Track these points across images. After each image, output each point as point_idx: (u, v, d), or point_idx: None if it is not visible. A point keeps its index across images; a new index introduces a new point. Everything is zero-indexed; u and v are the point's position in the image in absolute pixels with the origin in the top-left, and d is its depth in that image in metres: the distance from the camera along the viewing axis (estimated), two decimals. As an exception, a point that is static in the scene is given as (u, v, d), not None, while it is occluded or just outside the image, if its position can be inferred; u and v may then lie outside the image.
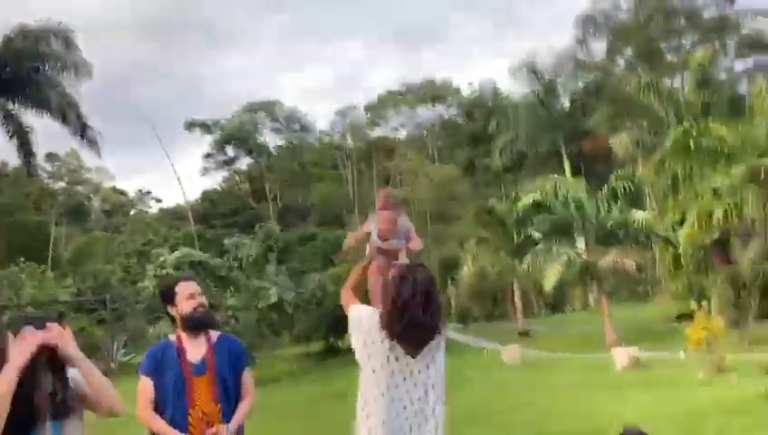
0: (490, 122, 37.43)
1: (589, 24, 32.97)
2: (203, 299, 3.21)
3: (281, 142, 51.25)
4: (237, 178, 52.76)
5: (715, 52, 20.75)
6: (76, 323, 21.71)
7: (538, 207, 18.72)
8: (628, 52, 33.71)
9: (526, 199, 18.59)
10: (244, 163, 52.12)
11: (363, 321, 2.59)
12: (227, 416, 3.13)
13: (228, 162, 51.25)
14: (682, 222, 17.78)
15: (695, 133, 14.07)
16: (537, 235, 20.64)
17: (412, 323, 2.56)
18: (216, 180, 53.05)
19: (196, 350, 3.20)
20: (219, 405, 3.10)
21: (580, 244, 18.80)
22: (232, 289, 16.81)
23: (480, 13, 72.06)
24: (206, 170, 51.03)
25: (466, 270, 23.72)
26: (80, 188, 54.55)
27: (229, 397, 3.21)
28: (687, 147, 14.06)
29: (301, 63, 78.25)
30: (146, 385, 3.09)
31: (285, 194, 49.03)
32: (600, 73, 33.95)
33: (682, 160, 14.75)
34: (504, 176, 37.28)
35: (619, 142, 21.19)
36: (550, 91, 30.67)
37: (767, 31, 32.11)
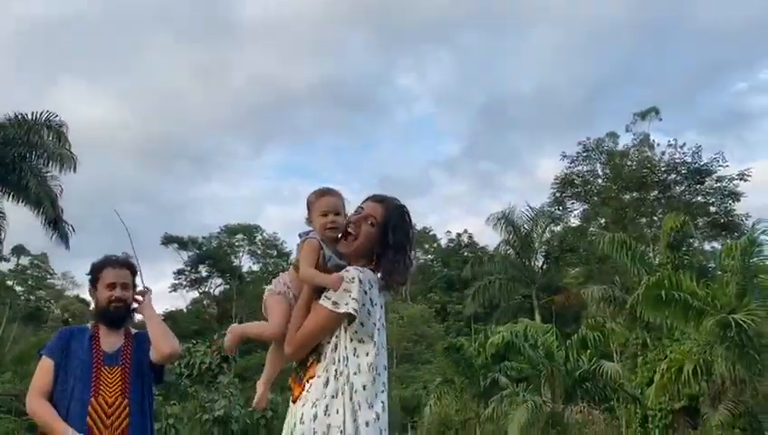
0: (465, 270, 37.79)
1: (566, 185, 34.57)
2: (121, 292, 2.92)
3: (255, 268, 51.00)
4: (206, 300, 51.79)
5: (685, 222, 21.52)
6: (3, 423, 20.03)
7: (507, 347, 18.36)
8: (603, 217, 35.09)
9: (496, 338, 18.25)
10: (214, 284, 51.41)
11: (367, 283, 2.34)
12: (135, 415, 2.75)
13: (199, 281, 50.49)
14: (651, 382, 17.44)
15: (666, 284, 14.15)
16: (504, 380, 20.11)
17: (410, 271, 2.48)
18: (185, 299, 51.99)
19: (112, 339, 2.89)
20: (127, 400, 2.74)
21: (548, 393, 18.24)
22: (177, 397, 15.76)
23: (461, 175, 75.47)
24: (174, 287, 50.10)
25: (428, 412, 22.73)
26: (41, 292, 53.15)
27: (142, 395, 2.85)
28: (659, 298, 14.07)
29: (286, 199, 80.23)
30: (45, 366, 2.74)
31: (252, 320, 47.89)
32: (575, 232, 35.07)
33: (652, 312, 14.70)
34: (474, 325, 37.06)
35: (591, 295, 21.36)
36: (525, 244, 31.28)
37: (738, 212, 33.77)
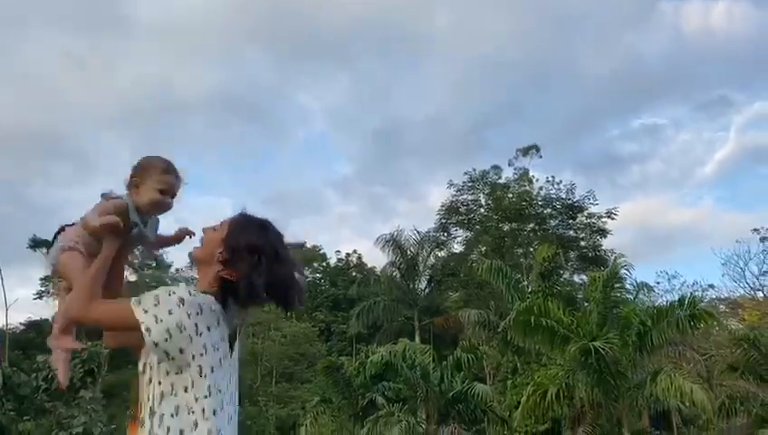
0: (351, 289, 38.01)
1: (451, 212, 35.81)
2: None
3: (132, 278, 48.37)
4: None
5: (557, 253, 22.90)
6: None
7: (386, 368, 18.58)
8: (484, 245, 36.61)
9: (375, 357, 18.44)
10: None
11: (181, 307, 1.97)
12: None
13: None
14: (519, 405, 18.25)
15: (536, 311, 14.95)
16: (381, 400, 20.29)
17: (284, 285, 2.14)
18: (51, 307, 48.25)
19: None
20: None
21: (423, 413, 18.63)
22: (32, 413, 14.55)
23: (354, 196, 76.05)
24: (40, 295, 46.45)
25: (303, 433, 22.46)
26: None
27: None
28: (528, 323, 14.85)
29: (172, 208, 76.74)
30: None
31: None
32: (458, 258, 36.33)
33: (522, 336, 15.47)
34: (357, 345, 37.28)
35: (468, 318, 22.15)
36: (411, 267, 32.01)
37: (605, 247, 36.36)
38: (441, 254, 36.69)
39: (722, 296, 36.94)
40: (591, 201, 35.76)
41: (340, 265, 50.79)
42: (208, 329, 2.02)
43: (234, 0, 68.87)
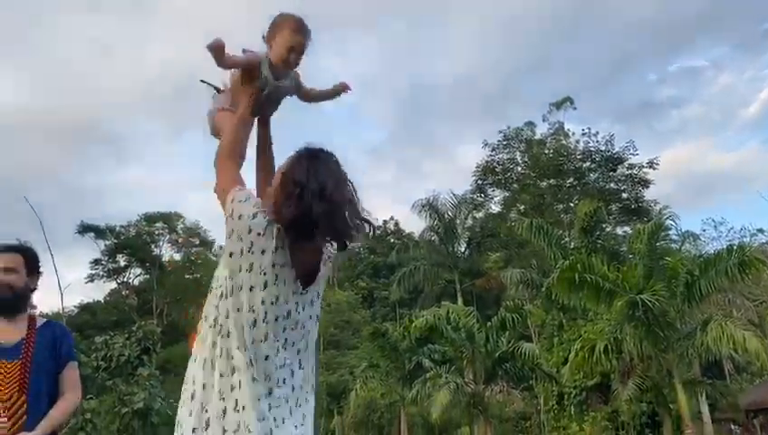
0: (391, 256, 38.17)
1: (487, 172, 35.42)
2: (3, 276, 2.78)
3: (177, 256, 49.53)
4: (125, 291, 49.93)
5: (598, 208, 22.51)
6: None
7: (430, 331, 18.72)
8: (522, 204, 36.21)
9: (419, 322, 18.58)
10: (134, 274, 49.64)
11: (253, 220, 1.92)
12: (35, 411, 2.65)
13: (117, 271, 48.58)
14: (566, 361, 18.23)
15: (579, 268, 14.79)
16: (428, 363, 20.52)
17: (331, 219, 1.96)
18: (102, 290, 49.93)
19: (11, 331, 2.76)
20: (25, 396, 2.63)
21: (470, 374, 18.77)
22: (95, 391, 15.19)
23: (387, 162, 75.80)
24: (91, 278, 48.01)
25: (354, 396, 22.94)
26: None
27: (47, 390, 2.75)
28: (572, 280, 14.70)
29: (208, 187, 77.89)
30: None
31: (174, 310, 46.61)
32: (496, 219, 36.07)
33: (567, 294, 15.35)
34: (400, 310, 37.56)
35: (510, 278, 22.07)
36: (449, 230, 31.90)
37: (647, 198, 35.60)
38: (479, 215, 36.45)
39: (771, 240, 35.94)
40: (632, 152, 34.87)
41: (378, 232, 51.01)
42: (262, 252, 1.94)
43: (255, -27, 68.48)
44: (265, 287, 1.95)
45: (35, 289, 2.92)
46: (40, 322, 2.90)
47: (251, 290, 1.93)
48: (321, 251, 2.12)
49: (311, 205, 1.95)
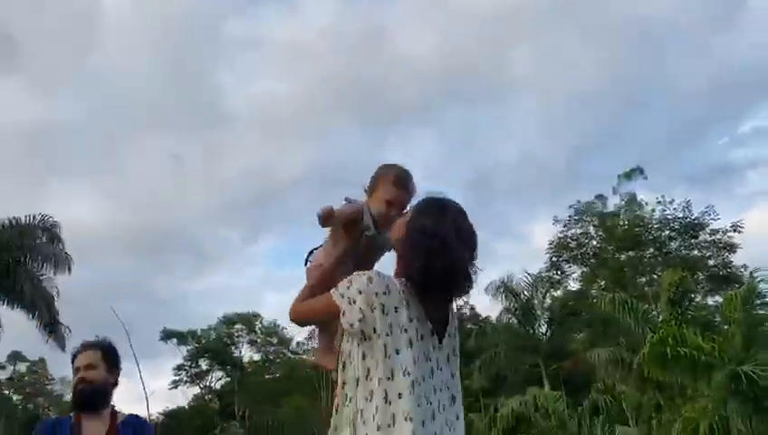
0: (468, 342, 37.20)
1: (561, 248, 34.62)
2: (85, 373, 2.87)
3: (257, 357, 50.02)
4: (207, 395, 50.48)
5: (684, 277, 21.46)
6: None
7: (518, 421, 17.86)
8: (602, 278, 34.97)
9: (504, 410, 17.79)
10: (215, 377, 50.25)
11: (369, 285, 1.96)
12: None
13: (200, 376, 49.35)
14: (669, 445, 16.89)
15: (671, 341, 13.95)
16: (518, 455, 19.47)
17: (452, 271, 1.99)
18: (186, 396, 50.67)
19: (94, 428, 2.81)
20: (112, 491, 2.64)
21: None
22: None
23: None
24: (175, 384, 48.94)
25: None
26: (40, 399, 51.96)
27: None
28: (665, 355, 13.85)
29: (283, 285, 79.65)
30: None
31: (255, 411, 46.51)
32: (576, 296, 34.84)
33: (660, 370, 14.42)
34: (484, 400, 36.17)
35: (598, 358, 20.99)
36: (527, 311, 30.95)
37: (735, 263, 33.72)
38: (557, 293, 35.34)
39: None
40: (712, 217, 33.44)
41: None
42: (395, 309, 1.96)
43: (316, 80, 72.41)
44: (411, 346, 1.95)
45: (116, 384, 2.99)
46: (122, 417, 2.95)
47: (398, 353, 1.93)
48: (449, 301, 2.16)
49: (437, 256, 1.96)
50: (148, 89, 70.08)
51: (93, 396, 2.87)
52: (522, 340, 31.01)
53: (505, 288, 29.61)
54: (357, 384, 1.95)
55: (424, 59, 66.43)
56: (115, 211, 69.45)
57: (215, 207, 73.34)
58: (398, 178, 2.23)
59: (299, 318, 2.15)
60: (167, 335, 46.62)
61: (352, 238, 2.23)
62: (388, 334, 1.94)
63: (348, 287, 1.97)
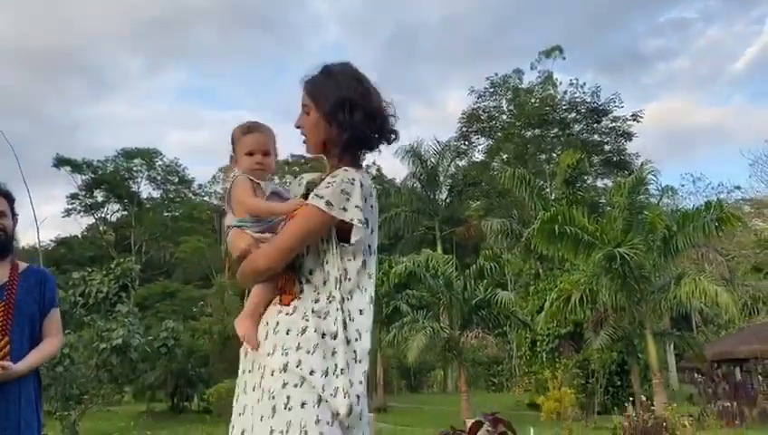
0: (372, 200, 38.17)
1: (472, 120, 35.21)
2: (4, 221, 2.72)
3: (156, 194, 49.04)
4: (102, 226, 49.49)
5: (581, 159, 22.57)
6: None
7: (409, 277, 18.90)
8: (506, 153, 36.20)
9: (399, 268, 18.73)
10: (111, 210, 49.14)
11: (368, 189, 1.94)
12: (17, 353, 2.62)
13: (95, 207, 48.03)
14: (541, 309, 18.59)
15: (560, 220, 14.91)
16: (405, 307, 20.77)
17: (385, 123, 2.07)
18: (79, 225, 49.46)
19: (-3, 275, 2.69)
20: (8, 338, 2.59)
21: (446, 320, 19.09)
22: (72, 326, 15.18)
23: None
24: (68, 212, 47.45)
25: (332, 339, 23.26)
26: None
27: (30, 333, 2.71)
28: (553, 231, 14.84)
29: (190, 123, 76.61)
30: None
31: (152, 247, 46.47)
32: (479, 167, 36.08)
33: (546, 245, 15.51)
34: (380, 256, 37.83)
35: (490, 227, 22.24)
36: (431, 177, 31.81)
37: (629, 150, 35.78)
38: (462, 163, 36.41)
39: (747, 197, 36.55)
40: (617, 104, 34.85)
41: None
42: (372, 208, 1.98)
43: None
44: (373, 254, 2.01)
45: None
46: (22, 266, 2.84)
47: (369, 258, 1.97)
48: None
49: (367, 117, 1.99)
50: None
51: (7, 244, 2.76)
52: (422, 203, 32.16)
53: (414, 153, 30.10)
54: (339, 285, 1.87)
55: None
56: (5, 23, 62.51)
57: (116, 28, 67.63)
58: (243, 128, 2.17)
59: (278, 255, 1.90)
60: (60, 162, 44.35)
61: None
62: (371, 245, 1.98)
63: (347, 199, 1.88)
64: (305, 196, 2.03)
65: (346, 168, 1.96)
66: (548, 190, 24.09)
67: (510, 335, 23.29)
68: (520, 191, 21.26)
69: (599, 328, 16.89)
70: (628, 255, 13.60)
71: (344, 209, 1.87)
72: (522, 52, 72.67)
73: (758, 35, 66.90)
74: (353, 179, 1.91)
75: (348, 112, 1.97)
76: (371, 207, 1.96)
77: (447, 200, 35.00)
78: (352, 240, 1.89)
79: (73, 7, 64.93)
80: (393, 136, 2.10)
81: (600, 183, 35.55)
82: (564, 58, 36.57)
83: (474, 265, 19.31)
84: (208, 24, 70.60)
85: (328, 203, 1.87)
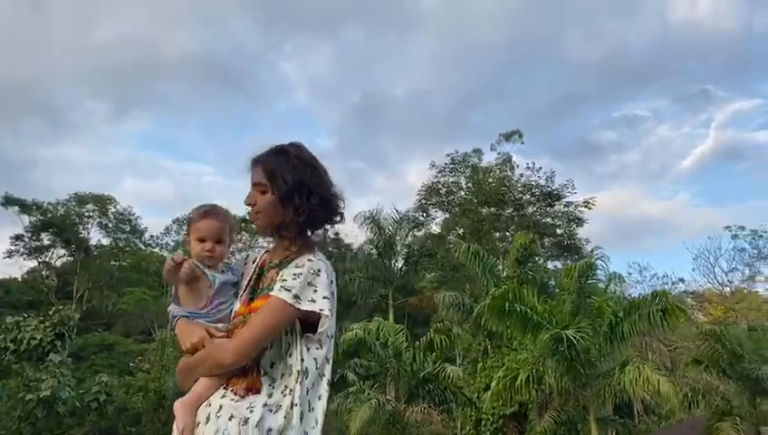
0: (326, 265, 37.94)
1: (432, 193, 35.81)
2: None
3: (105, 241, 47.74)
4: (45, 271, 47.64)
5: (533, 240, 23.05)
6: None
7: (360, 344, 18.64)
8: (462, 227, 36.75)
9: (349, 335, 18.48)
10: (57, 254, 47.47)
11: (331, 274, 2.00)
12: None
13: (40, 250, 46.36)
14: (488, 387, 18.47)
15: (510, 297, 15.06)
16: (352, 377, 20.40)
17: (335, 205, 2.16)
18: (21, 267, 47.49)
19: None
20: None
21: (392, 391, 18.77)
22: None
23: (332, 171, 75.43)
24: (10, 254, 45.63)
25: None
26: None
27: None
28: (503, 308, 14.94)
29: (148, 172, 75.69)
30: None
31: (95, 296, 44.82)
32: (435, 239, 36.44)
33: (495, 321, 15.59)
34: (329, 321, 37.28)
35: (443, 300, 22.27)
36: (388, 245, 31.98)
37: (579, 235, 36.75)
38: (419, 234, 36.76)
39: (689, 290, 37.71)
40: (570, 190, 36.00)
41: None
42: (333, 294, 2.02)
43: (221, -36, 67.52)
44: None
45: None
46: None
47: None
48: None
49: (322, 201, 2.06)
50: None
51: None
52: (377, 271, 32.14)
53: (373, 220, 30.30)
54: (300, 378, 1.88)
55: (336, -28, 63.98)
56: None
57: (82, 70, 67.34)
58: (196, 215, 2.17)
59: (246, 349, 1.89)
60: (7, 201, 42.98)
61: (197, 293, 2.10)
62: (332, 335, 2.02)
63: (314, 290, 1.93)
64: (257, 277, 2.07)
65: (310, 257, 1.99)
66: (500, 268, 24.38)
67: (455, 412, 22.96)
68: (473, 266, 21.45)
69: (543, 410, 16.83)
70: (575, 338, 13.73)
71: (312, 301, 1.91)
72: (482, 132, 75.17)
73: (704, 138, 70.90)
74: (319, 270, 1.94)
75: (305, 197, 2.02)
76: (332, 293, 1.99)
77: (403, 269, 35.09)
78: (320, 330, 1.92)
79: (40, 46, 64.58)
80: (339, 219, 2.16)
81: (550, 265, 36.21)
82: (523, 142, 37.87)
83: (424, 337, 19.21)
84: (179, 75, 71.07)
85: (296, 296, 1.89)
